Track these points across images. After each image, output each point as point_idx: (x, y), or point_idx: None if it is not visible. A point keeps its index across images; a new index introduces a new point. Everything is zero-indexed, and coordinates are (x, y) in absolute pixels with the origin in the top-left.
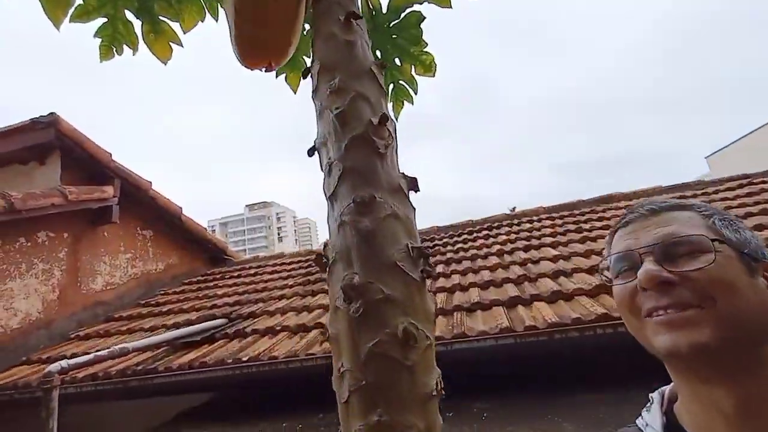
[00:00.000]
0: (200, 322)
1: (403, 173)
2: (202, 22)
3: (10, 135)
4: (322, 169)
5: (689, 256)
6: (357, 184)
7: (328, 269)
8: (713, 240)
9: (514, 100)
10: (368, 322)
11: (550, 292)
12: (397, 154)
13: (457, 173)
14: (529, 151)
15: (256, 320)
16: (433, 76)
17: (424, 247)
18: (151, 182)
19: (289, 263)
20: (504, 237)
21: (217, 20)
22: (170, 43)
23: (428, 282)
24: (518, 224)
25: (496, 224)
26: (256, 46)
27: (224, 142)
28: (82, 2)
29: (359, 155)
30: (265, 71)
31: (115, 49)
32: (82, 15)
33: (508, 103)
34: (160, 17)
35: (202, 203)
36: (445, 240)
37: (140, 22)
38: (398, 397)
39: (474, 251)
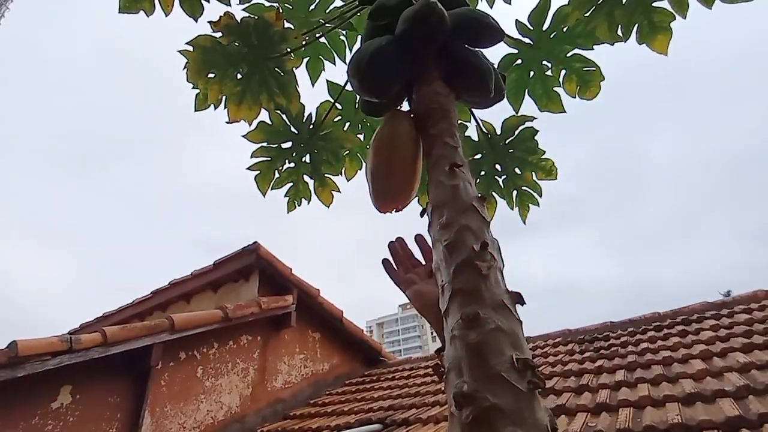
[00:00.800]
0: (358, 426)
1: (507, 290)
2: (360, 170)
3: (230, 261)
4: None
5: None
6: (464, 302)
7: (444, 378)
8: None
9: (668, 166)
10: (477, 428)
11: None
12: (502, 273)
13: (619, 257)
14: (702, 221)
15: (409, 428)
16: (555, 179)
17: (529, 359)
18: (319, 290)
19: None
20: (710, 333)
21: None
22: (331, 192)
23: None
24: (729, 315)
25: (694, 316)
26: (387, 197)
27: (364, 250)
28: (278, 176)
29: (464, 278)
30: (395, 212)
31: (296, 202)
32: (277, 184)
33: (661, 172)
34: (326, 175)
35: (357, 304)
36: (624, 339)
37: (312, 181)
38: None
39: (667, 353)
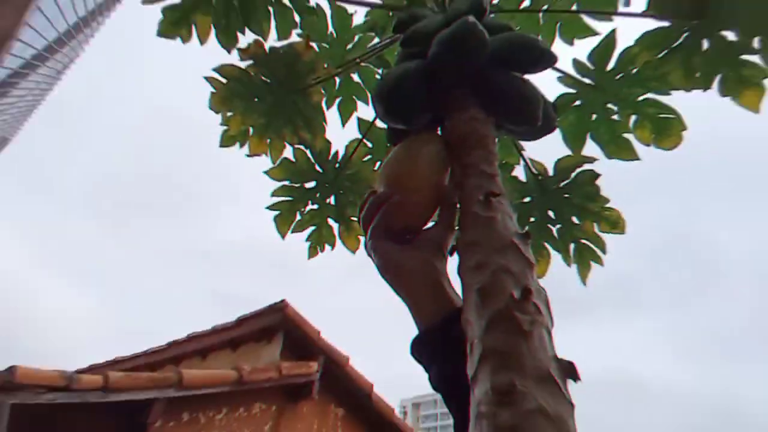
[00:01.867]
0: None
1: (556, 356)
2: None
3: (254, 318)
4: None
5: None
6: (497, 367)
7: None
8: None
9: (748, 263)
10: None
11: None
12: (549, 332)
13: (692, 361)
14: None
15: None
16: (623, 233)
17: None
18: (348, 357)
19: None
20: None
21: None
22: (358, 237)
23: None
24: None
25: None
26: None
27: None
28: (300, 218)
29: (500, 334)
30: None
31: (319, 248)
32: (298, 228)
33: (740, 268)
34: (352, 218)
35: (391, 380)
36: None
37: (337, 225)
38: None
39: None
